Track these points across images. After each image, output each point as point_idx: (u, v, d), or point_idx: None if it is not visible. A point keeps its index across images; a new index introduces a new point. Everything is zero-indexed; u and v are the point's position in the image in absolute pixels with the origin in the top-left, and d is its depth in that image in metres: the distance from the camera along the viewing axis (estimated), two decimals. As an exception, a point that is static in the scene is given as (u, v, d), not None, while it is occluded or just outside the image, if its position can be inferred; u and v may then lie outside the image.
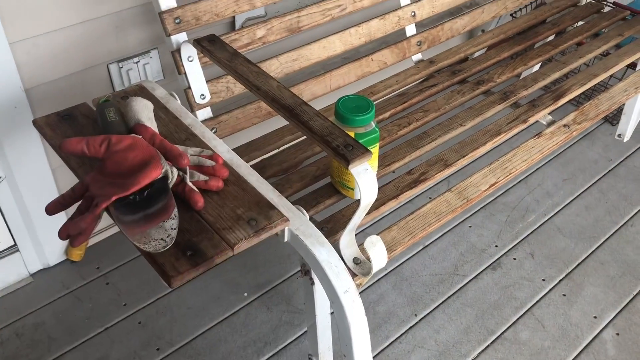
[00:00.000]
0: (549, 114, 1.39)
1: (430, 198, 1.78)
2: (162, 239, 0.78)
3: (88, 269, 1.59)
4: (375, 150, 1.08)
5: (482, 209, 1.82)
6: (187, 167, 0.88)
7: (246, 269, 1.61)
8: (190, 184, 0.87)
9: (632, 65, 1.92)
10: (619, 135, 2.02)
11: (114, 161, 0.85)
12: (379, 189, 1.14)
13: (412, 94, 1.44)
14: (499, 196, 1.86)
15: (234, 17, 1.50)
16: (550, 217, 1.81)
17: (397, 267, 1.64)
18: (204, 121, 1.25)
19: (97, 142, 0.86)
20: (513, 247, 1.71)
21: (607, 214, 1.82)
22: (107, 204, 0.80)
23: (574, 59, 1.55)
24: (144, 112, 0.95)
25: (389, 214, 1.76)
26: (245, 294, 1.55)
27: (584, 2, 1.87)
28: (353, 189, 1.11)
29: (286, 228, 0.90)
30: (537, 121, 1.38)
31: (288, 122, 0.97)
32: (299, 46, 1.37)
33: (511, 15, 2.11)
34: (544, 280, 1.62)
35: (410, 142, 1.28)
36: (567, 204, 1.85)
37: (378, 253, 0.96)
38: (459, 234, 1.74)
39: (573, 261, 1.68)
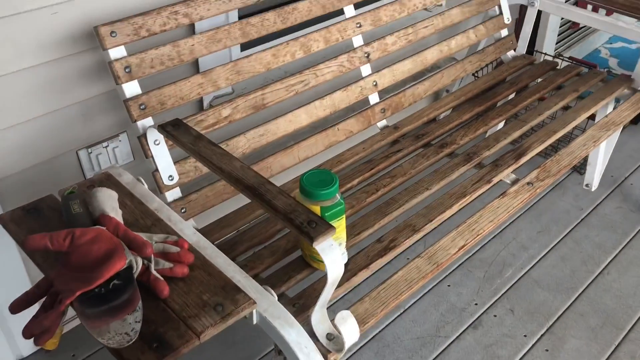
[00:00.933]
0: (512, 172, 1.42)
1: (408, 258, 1.78)
2: (126, 333, 0.77)
3: (63, 357, 1.55)
4: (342, 222, 1.09)
5: (460, 267, 1.83)
6: (152, 256, 0.89)
7: (226, 346, 1.58)
8: (155, 272, 0.87)
9: (593, 117, 1.99)
10: (587, 185, 2.07)
11: (78, 255, 0.85)
12: (350, 259, 1.15)
13: (378, 160, 1.48)
14: (475, 252, 1.88)
15: (201, 97, 1.54)
16: (527, 271, 1.82)
17: (378, 333, 1.62)
18: (173, 202, 1.26)
19: (61, 237, 0.87)
20: (493, 303, 1.71)
21: (583, 264, 1.84)
22: (71, 299, 0.80)
23: (533, 117, 1.61)
24: (108, 202, 0.95)
25: (362, 283, 1.76)
26: (225, 372, 1.52)
27: (540, 60, 1.95)
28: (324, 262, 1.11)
29: (254, 310, 0.89)
30: (501, 180, 1.41)
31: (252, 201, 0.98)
32: (265, 121, 1.40)
33: (473, 75, 2.19)
34: (525, 336, 1.62)
35: (378, 208, 1.30)
36: (542, 256, 1.87)
37: (349, 328, 0.95)
38: (439, 294, 1.74)
39: (553, 314, 1.68)
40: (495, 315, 1.67)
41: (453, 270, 1.82)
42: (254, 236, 1.24)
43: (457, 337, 1.61)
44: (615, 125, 1.57)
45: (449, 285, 1.77)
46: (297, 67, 1.50)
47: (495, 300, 1.72)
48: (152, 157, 1.22)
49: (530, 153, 1.46)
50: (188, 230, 1.02)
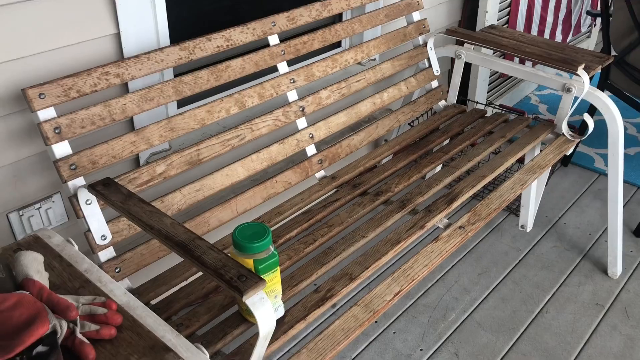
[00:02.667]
0: (445, 217, 1.47)
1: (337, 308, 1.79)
2: (46, 402, 0.74)
3: None
4: (276, 274, 1.10)
5: (404, 313, 1.84)
6: (77, 319, 0.87)
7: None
8: (80, 336, 0.85)
9: (522, 160, 2.09)
10: (522, 226, 2.14)
11: (-1, 321, 0.83)
12: (287, 311, 1.15)
13: (316, 210, 1.50)
14: (419, 297, 1.90)
15: (137, 154, 1.54)
16: (470, 314, 1.85)
17: (325, 385, 1.60)
18: (107, 262, 1.24)
19: (-20, 304, 0.84)
20: (437, 348, 1.73)
21: (523, 304, 1.89)
22: (-12, 369, 0.77)
23: (463, 163, 1.67)
24: (32, 265, 0.93)
25: (307, 333, 1.75)
26: None
27: (470, 109, 2.04)
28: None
29: (184, 369, 0.88)
30: (435, 225, 1.45)
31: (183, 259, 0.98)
32: (202, 176, 1.41)
33: (409, 124, 2.27)
34: (471, 379, 1.63)
35: (316, 258, 1.31)
36: (484, 298, 1.91)
37: (284, 382, 0.94)
38: (384, 342, 1.74)
39: (496, 356, 1.70)
40: (440, 360, 1.69)
41: (398, 317, 1.83)
42: (190, 293, 1.23)
43: (404, 384, 1.61)
44: (541, 168, 1.65)
45: (394, 332, 1.78)
46: (233, 122, 1.52)
47: (440, 345, 1.74)
48: (84, 217, 1.21)
49: (461, 198, 1.51)
50: (118, 290, 1.01)
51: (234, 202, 1.45)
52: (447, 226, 1.43)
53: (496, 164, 1.66)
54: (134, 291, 1.24)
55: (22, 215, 1.39)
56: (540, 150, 1.75)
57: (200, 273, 1.29)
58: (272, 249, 1.09)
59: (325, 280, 1.24)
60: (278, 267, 1.09)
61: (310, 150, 1.64)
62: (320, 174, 1.65)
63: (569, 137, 1.81)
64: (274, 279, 1.09)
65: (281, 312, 1.14)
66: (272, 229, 1.45)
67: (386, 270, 1.92)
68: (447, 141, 1.88)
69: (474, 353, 1.71)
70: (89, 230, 1.21)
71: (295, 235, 1.42)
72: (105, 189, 1.13)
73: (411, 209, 1.49)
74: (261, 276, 1.03)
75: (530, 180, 1.60)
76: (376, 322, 1.81)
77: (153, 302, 1.22)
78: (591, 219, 2.27)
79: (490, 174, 1.61)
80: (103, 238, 1.23)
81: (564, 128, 1.81)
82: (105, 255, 1.24)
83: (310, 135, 1.63)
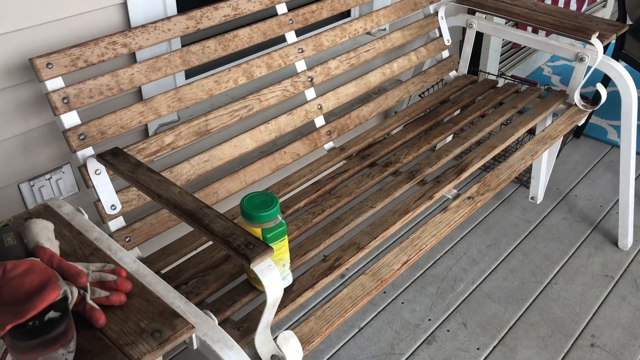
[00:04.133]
0: (454, 187, 1.46)
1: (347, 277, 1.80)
2: (58, 365, 0.76)
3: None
4: (284, 243, 1.10)
5: (413, 284, 1.85)
6: (88, 285, 0.88)
7: (179, 376, 1.56)
8: (90, 301, 0.86)
9: (533, 131, 2.06)
10: (532, 198, 2.13)
11: (11, 288, 0.84)
12: (295, 280, 1.16)
13: (325, 181, 1.50)
14: (427, 269, 1.91)
15: (146, 124, 1.54)
16: (478, 285, 1.85)
17: (334, 354, 1.62)
18: (117, 231, 1.25)
19: (-8, 270, 0.85)
20: (446, 318, 1.74)
21: (532, 275, 1.89)
22: (1, 334, 0.78)
23: (474, 133, 1.66)
24: (43, 233, 0.94)
25: (315, 302, 1.76)
26: (179, 403, 1.50)
27: (481, 80, 2.02)
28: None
29: (194, 335, 0.89)
30: (444, 196, 1.44)
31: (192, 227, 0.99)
32: (210, 147, 1.41)
33: (420, 95, 2.25)
34: (478, 349, 1.64)
35: (324, 229, 1.31)
36: (493, 270, 1.91)
37: (292, 349, 0.96)
38: (393, 312, 1.76)
39: (504, 326, 1.71)
40: (448, 330, 1.70)
41: (406, 288, 1.84)
42: (200, 262, 1.24)
43: (412, 353, 1.63)
44: (551, 138, 1.63)
45: (402, 303, 1.79)
46: (241, 93, 1.52)
47: (448, 315, 1.75)
48: (93, 187, 1.21)
49: (471, 168, 1.50)
50: (128, 258, 1.02)
51: (243, 173, 1.45)
52: (455, 197, 1.42)
53: (506, 134, 1.64)
54: (143, 260, 1.25)
55: (33, 185, 1.40)
56: (552, 121, 1.73)
57: (210, 242, 1.30)
58: (280, 218, 1.09)
59: (333, 250, 1.25)
60: (286, 236, 1.10)
61: (319, 121, 1.63)
62: (329, 145, 1.64)
63: (581, 107, 1.78)
64: (282, 248, 1.09)
65: (289, 280, 1.15)
66: (280, 200, 1.45)
67: (395, 241, 1.92)
68: (457, 112, 1.87)
69: (481, 323, 1.72)
70: (99, 200, 1.22)
71: (303, 206, 1.42)
72: (114, 159, 1.13)
73: (420, 180, 1.48)
74: (269, 244, 1.04)
75: (541, 151, 1.59)
76: (384, 292, 1.82)
77: (163, 271, 1.23)
78: (602, 191, 2.25)
79: (500, 145, 1.60)
80: (113, 208, 1.24)
81: (576, 98, 1.79)
82: (115, 224, 1.25)
83: (319, 106, 1.62)
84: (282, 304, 1.11)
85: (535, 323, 1.72)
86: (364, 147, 1.65)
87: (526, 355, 1.62)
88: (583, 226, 2.08)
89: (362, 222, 1.35)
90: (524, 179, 2.27)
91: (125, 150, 1.26)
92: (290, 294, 1.13)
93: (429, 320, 1.73)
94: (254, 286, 1.15)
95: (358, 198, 1.44)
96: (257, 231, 1.06)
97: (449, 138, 1.91)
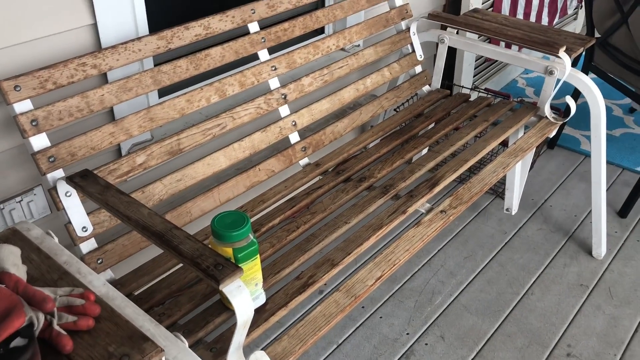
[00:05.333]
0: (427, 201, 1.47)
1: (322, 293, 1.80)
2: (22, 394, 0.75)
3: None
4: (256, 262, 1.10)
5: (391, 298, 1.86)
6: (55, 310, 0.87)
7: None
8: (57, 327, 0.85)
9: (505, 143, 2.09)
10: (507, 209, 2.16)
11: (-25, 315, 0.83)
12: (269, 298, 1.16)
13: (300, 197, 1.50)
14: (405, 282, 1.91)
15: (118, 145, 1.54)
16: (456, 297, 1.86)
17: (312, 370, 1.62)
18: (88, 253, 1.24)
19: (-44, 298, 0.84)
20: (424, 332, 1.74)
21: (509, 286, 1.90)
22: (-36, 363, 0.77)
23: (446, 147, 1.68)
24: (9, 258, 0.93)
25: (292, 320, 1.76)
26: None
27: (454, 93, 2.04)
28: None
29: (163, 358, 0.88)
30: (418, 210, 1.45)
31: (161, 250, 0.98)
32: (183, 166, 1.41)
33: (395, 110, 2.27)
34: (456, 361, 1.65)
35: (299, 246, 1.32)
36: (470, 282, 1.92)
37: (264, 368, 0.95)
38: (371, 327, 1.76)
39: (482, 338, 1.72)
40: (426, 344, 1.70)
41: (385, 302, 1.84)
42: (173, 283, 1.23)
43: (390, 369, 1.63)
44: (523, 151, 1.65)
45: (381, 317, 1.79)
46: (214, 111, 1.52)
47: (427, 328, 1.75)
48: (64, 209, 1.20)
49: (443, 182, 1.52)
50: (97, 281, 1.01)
51: (217, 191, 1.45)
52: (428, 210, 1.43)
53: (479, 147, 1.67)
54: (116, 282, 1.24)
55: (3, 208, 1.38)
56: (524, 134, 1.75)
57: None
58: (252, 237, 1.09)
59: (307, 267, 1.25)
60: (258, 255, 1.10)
61: (294, 137, 1.64)
62: (304, 161, 1.65)
63: (551, 119, 1.81)
64: (253, 267, 1.09)
65: (262, 299, 1.15)
66: (255, 217, 1.45)
67: (371, 256, 1.92)
68: (431, 126, 1.89)
69: (459, 336, 1.72)
70: (70, 222, 1.21)
71: (278, 223, 1.43)
72: (83, 181, 1.12)
73: (393, 195, 1.50)
74: (239, 264, 1.04)
75: (513, 163, 1.61)
76: (363, 307, 1.82)
77: (136, 292, 1.22)
78: (577, 200, 2.28)
79: (472, 158, 1.62)
80: (84, 230, 1.23)
81: (547, 111, 1.82)
82: (86, 246, 1.24)
83: (293, 123, 1.63)
84: (255, 324, 1.10)
85: (512, 334, 1.73)
86: (339, 162, 1.66)
87: (504, 366, 1.63)
88: (558, 236, 2.11)
89: (336, 237, 1.36)
90: (499, 190, 2.30)
91: (96, 171, 1.26)
92: (263, 313, 1.13)
93: (407, 334, 1.74)
94: (227, 306, 1.14)
95: (333, 214, 1.44)
96: (229, 251, 1.06)
97: (424, 151, 1.93)
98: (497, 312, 1.81)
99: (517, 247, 2.06)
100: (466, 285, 1.91)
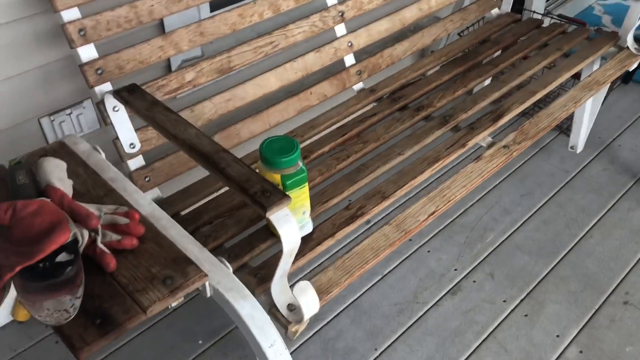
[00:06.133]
0: (489, 135, 1.37)
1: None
2: (65, 310, 0.74)
3: (37, 329, 1.54)
4: (304, 190, 1.05)
5: (441, 232, 1.80)
6: (99, 228, 0.85)
7: (200, 316, 1.56)
8: (101, 245, 0.84)
9: (577, 76, 1.93)
10: (572, 147, 2.02)
11: (21, 228, 0.82)
12: (316, 227, 1.12)
13: (352, 125, 1.43)
14: (457, 217, 1.85)
15: (168, 60, 1.48)
16: (509, 235, 1.79)
17: (355, 299, 1.61)
18: (136, 170, 1.22)
19: (2, 210, 0.83)
20: (472, 269, 1.69)
21: (566, 228, 1.81)
22: (10, 275, 0.77)
23: (513, 77, 1.55)
24: (55, 172, 0.92)
25: (337, 249, 1.73)
26: (200, 342, 1.51)
27: (525, 18, 1.88)
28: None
29: (207, 283, 0.86)
30: (478, 144, 1.36)
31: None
32: (232, 86, 1.35)
33: (458, 34, 2.12)
34: (504, 301, 1.60)
35: (348, 175, 1.26)
36: (525, 220, 1.84)
37: (308, 300, 0.93)
38: (418, 260, 1.72)
39: (533, 279, 1.66)
40: (474, 281, 1.66)
41: (434, 236, 1.79)
42: (220, 205, 1.21)
43: (436, 303, 1.60)
44: (598, 84, 1.51)
45: (428, 251, 1.74)
46: (266, 28, 1.43)
47: (476, 266, 1.70)
48: (111, 124, 1.18)
49: (508, 115, 1.41)
50: (143, 200, 0.99)
51: (266, 114, 1.39)
52: (490, 145, 1.34)
53: (549, 79, 1.53)
54: (163, 201, 1.23)
55: (54, 120, 1.37)
56: (600, 66, 1.60)
57: (230, 185, 1.26)
58: (301, 164, 1.04)
59: (357, 198, 1.20)
60: (306, 183, 1.05)
61: (349, 60, 1.54)
62: (358, 86, 1.56)
63: (634, 51, 1.64)
64: (301, 195, 1.04)
65: (309, 228, 1.11)
66: (304, 143, 1.39)
67: (422, 189, 1.85)
68: (497, 53, 1.75)
69: (510, 275, 1.67)
70: (117, 138, 1.19)
71: (328, 151, 1.37)
72: (130, 96, 1.09)
73: (453, 126, 1.40)
74: (287, 192, 0.99)
75: (586, 98, 1.48)
76: (410, 239, 1.77)
77: (182, 212, 1.21)
78: (649, 141, 2.12)
79: (541, 90, 1.49)
80: (132, 146, 1.21)
81: (629, 41, 1.65)
82: (134, 163, 1.22)
83: (350, 44, 1.53)
84: (301, 253, 1.07)
85: (566, 277, 1.66)
86: (396, 88, 1.57)
87: (554, 310, 1.57)
88: (624, 178, 1.97)
89: (389, 169, 1.29)
90: (564, 127, 2.15)
91: (144, 87, 1.22)
92: (309, 241, 1.09)
93: (455, 270, 1.69)
94: (273, 233, 1.11)
95: (386, 144, 1.37)
96: (277, 177, 1.01)
97: (487, 81, 1.80)
98: (551, 253, 1.73)
99: (578, 188, 1.95)
100: (521, 224, 1.82)
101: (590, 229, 1.81)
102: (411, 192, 1.83)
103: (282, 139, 1.04)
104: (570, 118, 2.07)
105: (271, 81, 1.40)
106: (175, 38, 1.26)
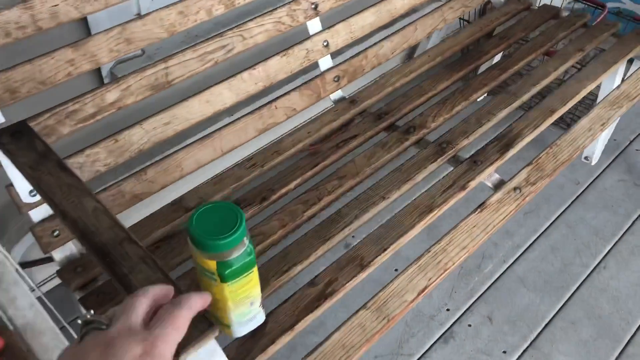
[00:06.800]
0: (496, 171, 1.10)
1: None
2: None
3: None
4: (252, 276, 0.77)
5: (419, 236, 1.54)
6: None
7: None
8: None
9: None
10: (586, 158, 1.75)
11: None
12: (270, 314, 0.85)
13: (326, 151, 1.14)
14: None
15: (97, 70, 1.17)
16: (510, 265, 1.54)
17: (329, 348, 1.36)
18: (40, 223, 0.93)
19: None
20: (468, 308, 1.44)
21: (577, 255, 1.56)
22: None
23: (525, 88, 1.26)
24: None
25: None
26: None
27: (538, 4, 1.57)
28: (229, 327, 0.81)
29: None
30: (482, 183, 1.09)
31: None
32: (172, 104, 1.05)
33: (460, 19, 1.80)
34: (504, 352, 1.36)
35: (318, 230, 0.98)
36: (529, 245, 1.58)
37: None
38: (393, 266, 1.45)
39: (539, 323, 1.41)
40: (469, 325, 1.41)
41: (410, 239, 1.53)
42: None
43: (423, 354, 1.35)
44: (630, 100, 1.23)
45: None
46: (217, 28, 1.13)
47: (471, 304, 1.45)
48: (1, 166, 0.88)
49: (520, 143, 1.13)
50: (24, 299, 0.71)
51: (218, 138, 1.10)
52: (497, 185, 1.07)
53: (570, 91, 1.25)
54: (78, 263, 0.94)
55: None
56: (628, 74, 1.32)
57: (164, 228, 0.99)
58: (247, 242, 0.75)
59: (327, 267, 0.93)
60: (255, 268, 0.77)
61: (325, 63, 1.25)
62: (336, 95, 1.27)
63: (672, 54, 1.35)
64: (247, 284, 0.77)
65: (260, 319, 0.83)
66: (265, 176, 1.11)
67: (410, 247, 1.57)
68: (503, 52, 1.45)
69: (511, 318, 1.42)
70: (12, 184, 0.90)
71: (294, 189, 1.08)
72: (14, 143, 0.79)
73: (451, 156, 1.12)
74: (226, 284, 0.72)
75: (615, 118, 1.20)
76: (396, 270, 1.51)
77: (101, 282, 0.93)
78: (671, 146, 1.85)
79: (561, 107, 1.21)
80: (32, 194, 0.92)
81: (668, 41, 1.35)
82: (37, 214, 0.93)
83: (325, 43, 1.23)
84: (249, 355, 0.81)
85: (576, 321, 1.42)
86: (381, 99, 1.27)
87: (562, 362, 1.34)
88: (643, 192, 1.72)
89: (369, 220, 1.02)
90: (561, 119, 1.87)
91: (49, 113, 0.92)
92: (260, 337, 0.83)
93: (447, 310, 1.44)
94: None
95: (367, 180, 1.09)
96: (212, 265, 0.73)
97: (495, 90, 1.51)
98: (559, 288, 1.48)
99: (591, 204, 1.69)
100: (524, 250, 1.57)
101: (604, 257, 1.56)
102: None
103: (220, 207, 0.75)
104: (577, 112, 1.79)
105: (224, 96, 1.10)
106: (91, 48, 0.95)
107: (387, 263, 0.97)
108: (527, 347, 1.37)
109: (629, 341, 1.38)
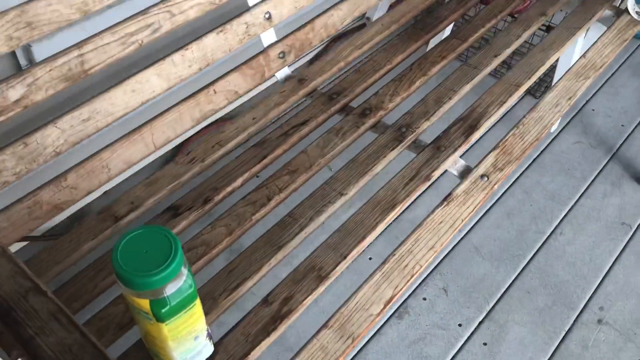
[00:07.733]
0: (461, 157, 1.02)
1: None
2: None
3: None
4: (194, 310, 0.67)
5: (385, 232, 1.46)
6: None
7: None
8: None
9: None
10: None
11: None
12: (219, 344, 0.76)
13: (274, 140, 1.03)
14: (403, 212, 1.52)
15: (13, 51, 0.99)
16: (466, 233, 1.49)
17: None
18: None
19: None
20: (422, 281, 1.40)
21: (533, 222, 1.53)
22: None
23: (486, 60, 1.17)
24: None
25: None
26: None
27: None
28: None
29: None
30: (447, 171, 1.01)
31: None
32: (91, 98, 0.91)
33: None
34: (460, 325, 1.33)
35: (268, 237, 0.88)
36: (485, 212, 1.54)
37: None
38: (358, 271, 1.38)
39: (494, 293, 1.39)
40: (424, 299, 1.37)
41: (375, 238, 1.46)
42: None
43: (377, 332, 1.31)
44: (596, 69, 1.16)
45: (370, 258, 1.42)
46: (141, 5, 0.96)
47: (426, 277, 1.41)
48: None
49: (486, 123, 1.05)
50: None
51: (149, 131, 0.97)
52: (463, 173, 0.99)
53: (535, 61, 1.16)
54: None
55: None
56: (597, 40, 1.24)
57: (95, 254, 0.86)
58: (185, 272, 0.65)
59: (281, 281, 0.83)
60: (197, 300, 0.67)
61: (268, 37, 1.11)
62: (282, 73, 1.14)
63: (634, 16, 1.28)
64: (190, 319, 0.67)
65: (208, 351, 0.74)
66: (207, 173, 0.99)
67: (371, 249, 1.48)
68: (462, 17, 1.34)
69: (466, 289, 1.39)
70: None
71: (240, 186, 0.97)
72: None
73: (412, 141, 1.03)
74: (164, 323, 0.62)
75: (582, 89, 1.13)
76: (352, 249, 1.44)
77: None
78: (626, 104, 1.82)
79: (526, 81, 1.13)
80: None
81: (630, 3, 1.28)
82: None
83: (267, 16, 1.09)
84: (198, 397, 0.72)
85: (532, 289, 1.40)
86: (332, 76, 1.15)
87: (518, 334, 1.32)
88: (599, 153, 1.69)
89: (326, 220, 0.92)
90: (531, 86, 1.81)
91: (-62, 119, 0.76)
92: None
93: (405, 288, 1.39)
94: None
95: (321, 173, 0.99)
96: (144, 304, 0.63)
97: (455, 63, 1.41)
98: (515, 257, 1.46)
99: (547, 167, 1.65)
100: (480, 218, 1.53)
101: (560, 222, 1.54)
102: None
103: (148, 233, 0.64)
104: (538, 80, 1.73)
105: (153, 82, 0.96)
106: (-17, 36, 0.78)
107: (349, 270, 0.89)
108: (483, 319, 1.34)
109: (583, 308, 1.37)
